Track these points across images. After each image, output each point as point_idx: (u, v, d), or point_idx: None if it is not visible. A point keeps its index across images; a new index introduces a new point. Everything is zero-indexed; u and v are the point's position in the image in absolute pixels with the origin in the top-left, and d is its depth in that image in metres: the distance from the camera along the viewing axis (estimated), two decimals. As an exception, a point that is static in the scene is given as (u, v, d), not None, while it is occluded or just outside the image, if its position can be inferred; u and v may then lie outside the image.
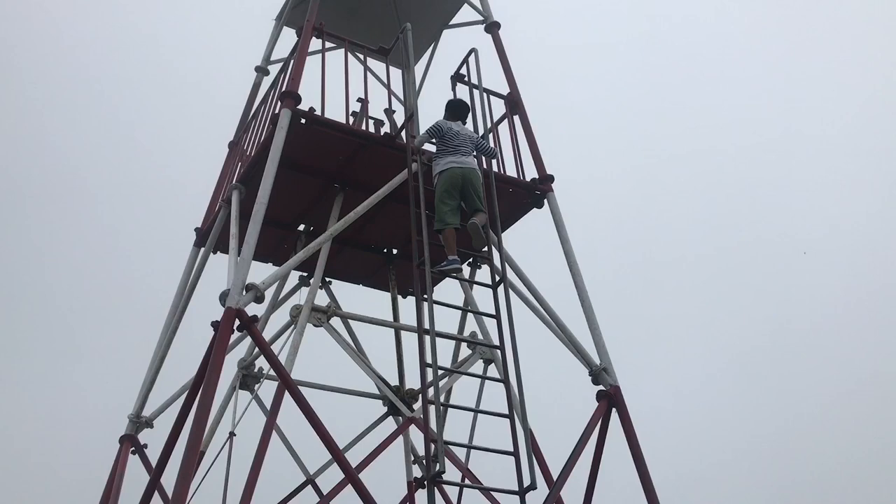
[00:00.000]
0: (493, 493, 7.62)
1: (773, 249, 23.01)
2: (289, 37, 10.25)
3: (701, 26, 27.29)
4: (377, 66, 10.04)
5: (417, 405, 8.32)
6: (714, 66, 26.53)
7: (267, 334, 8.18)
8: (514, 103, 9.06)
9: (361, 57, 9.27)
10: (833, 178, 24.23)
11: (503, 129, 8.90)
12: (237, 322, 6.13)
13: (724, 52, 26.79)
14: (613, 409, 7.41)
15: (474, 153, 7.60)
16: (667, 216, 24.35)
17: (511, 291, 7.17)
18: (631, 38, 27.29)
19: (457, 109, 7.90)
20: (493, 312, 6.88)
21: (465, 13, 10.55)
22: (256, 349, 8.42)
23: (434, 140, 7.50)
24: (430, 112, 7.74)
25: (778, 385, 20.91)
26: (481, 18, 10.03)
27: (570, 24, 26.64)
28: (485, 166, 7.90)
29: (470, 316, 8.70)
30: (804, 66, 25.81)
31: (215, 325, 6.86)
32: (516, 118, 8.97)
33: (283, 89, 7.70)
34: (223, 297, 6.23)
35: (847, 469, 18.59)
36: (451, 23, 10.82)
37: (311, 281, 7.96)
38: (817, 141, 24.89)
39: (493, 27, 9.81)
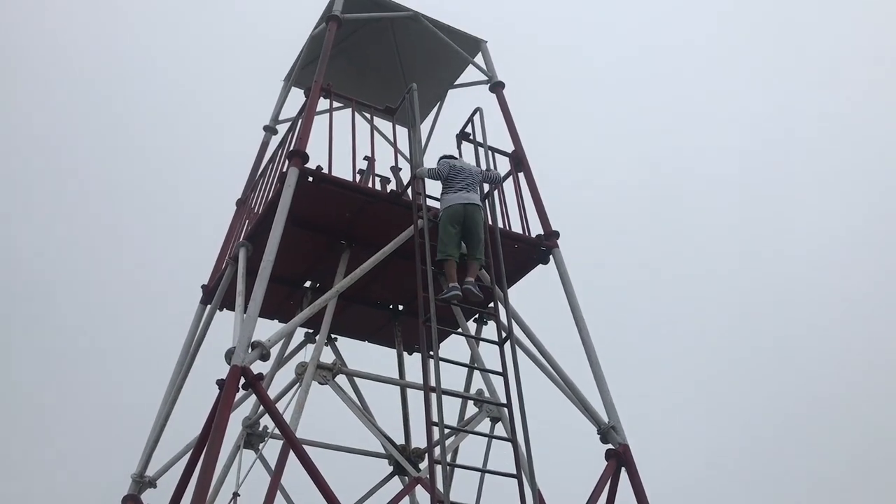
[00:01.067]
0: (501, 556, 7.45)
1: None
2: (297, 97, 10.43)
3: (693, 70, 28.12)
4: (384, 124, 10.20)
5: (424, 465, 8.20)
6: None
7: (272, 392, 8.11)
8: (518, 160, 9.16)
9: (368, 116, 9.42)
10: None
11: (508, 185, 8.99)
12: (242, 380, 6.10)
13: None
14: (623, 469, 7.30)
15: (478, 187, 7.77)
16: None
17: (518, 348, 7.14)
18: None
19: (461, 138, 8.21)
20: (500, 370, 6.84)
21: (469, 73, 10.77)
22: (261, 407, 8.34)
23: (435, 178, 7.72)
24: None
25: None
26: (486, 78, 10.23)
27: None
28: (495, 198, 8.17)
29: (476, 373, 8.62)
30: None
31: (220, 383, 6.82)
32: (521, 175, 9.07)
33: (291, 148, 7.81)
34: (229, 354, 6.21)
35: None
36: (456, 82, 11.04)
37: (317, 338, 7.93)
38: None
39: (497, 87, 9.99)
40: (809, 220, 24.73)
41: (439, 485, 5.90)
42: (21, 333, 19.83)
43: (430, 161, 8.37)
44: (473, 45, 10.49)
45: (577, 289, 8.30)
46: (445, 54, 10.53)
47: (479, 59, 10.47)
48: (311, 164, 7.57)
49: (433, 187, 7.94)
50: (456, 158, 8.15)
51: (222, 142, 22.93)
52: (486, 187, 8.24)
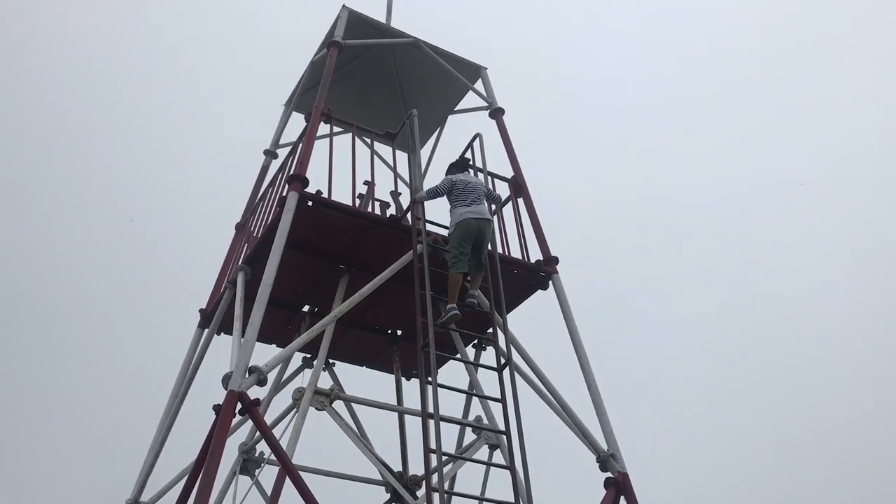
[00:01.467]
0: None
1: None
2: (297, 122, 10.47)
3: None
4: (384, 149, 10.23)
5: (421, 492, 8.11)
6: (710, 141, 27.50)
7: (268, 417, 8.05)
8: (518, 186, 9.18)
9: (368, 141, 9.45)
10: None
11: (507, 211, 9.00)
12: (239, 405, 6.06)
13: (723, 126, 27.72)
14: (622, 497, 7.22)
15: (485, 199, 7.85)
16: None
17: (517, 374, 7.09)
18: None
19: (460, 164, 8.24)
20: (499, 396, 6.80)
21: (469, 99, 10.82)
22: (258, 433, 8.27)
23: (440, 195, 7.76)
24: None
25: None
26: (486, 104, 10.28)
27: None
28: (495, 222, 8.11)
29: (475, 400, 8.57)
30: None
31: (217, 408, 6.77)
32: (520, 201, 9.07)
33: (291, 172, 7.82)
34: (226, 379, 6.17)
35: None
36: (456, 108, 11.09)
37: (315, 363, 7.89)
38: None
39: (496, 113, 10.04)
40: (812, 250, 24.81)
41: (437, 513, 5.82)
42: (18, 350, 19.80)
43: (429, 185, 8.37)
44: (473, 72, 10.56)
45: (573, 305, 8.27)
46: (446, 80, 10.59)
47: (479, 85, 10.53)
48: (311, 189, 7.58)
49: (433, 212, 7.95)
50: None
51: (222, 165, 23.04)
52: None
